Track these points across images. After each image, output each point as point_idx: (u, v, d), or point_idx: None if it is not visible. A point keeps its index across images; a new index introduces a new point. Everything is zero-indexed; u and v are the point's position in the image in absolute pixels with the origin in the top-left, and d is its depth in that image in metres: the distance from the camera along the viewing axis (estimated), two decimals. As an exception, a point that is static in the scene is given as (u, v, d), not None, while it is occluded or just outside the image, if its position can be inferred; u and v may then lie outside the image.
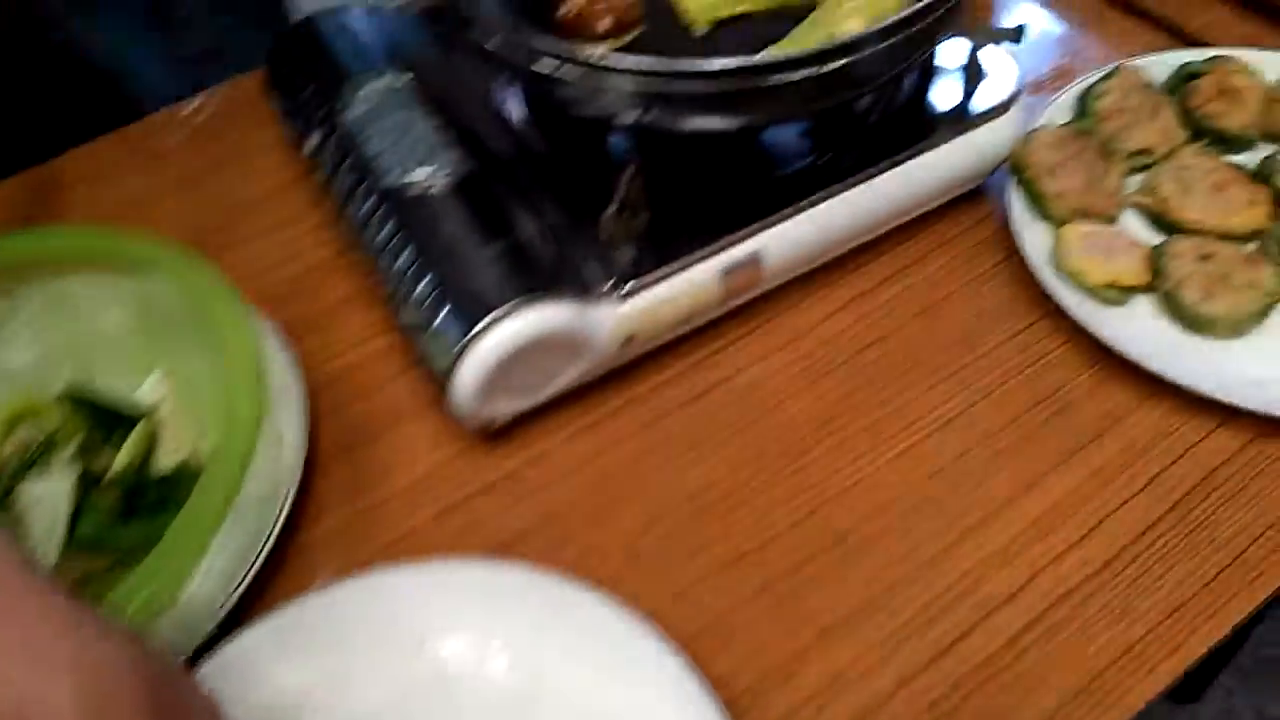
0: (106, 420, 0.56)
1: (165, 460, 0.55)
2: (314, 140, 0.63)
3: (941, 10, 0.51)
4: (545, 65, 0.50)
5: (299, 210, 0.68)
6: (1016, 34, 0.58)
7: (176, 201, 0.71)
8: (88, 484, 0.54)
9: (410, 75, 0.63)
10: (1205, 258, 0.56)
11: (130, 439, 0.54)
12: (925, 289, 0.61)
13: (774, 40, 0.58)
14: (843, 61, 0.48)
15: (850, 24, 0.56)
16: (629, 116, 0.51)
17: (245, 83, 0.77)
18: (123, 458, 0.54)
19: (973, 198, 0.64)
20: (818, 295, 0.61)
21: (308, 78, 0.66)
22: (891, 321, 0.60)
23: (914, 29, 0.50)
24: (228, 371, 0.49)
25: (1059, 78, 0.72)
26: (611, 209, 0.53)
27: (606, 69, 0.49)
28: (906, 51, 0.52)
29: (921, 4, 0.50)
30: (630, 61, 0.48)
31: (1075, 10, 0.77)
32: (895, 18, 0.49)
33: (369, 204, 0.58)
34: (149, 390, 0.58)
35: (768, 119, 0.52)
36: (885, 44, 0.49)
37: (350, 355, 0.61)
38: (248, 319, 0.51)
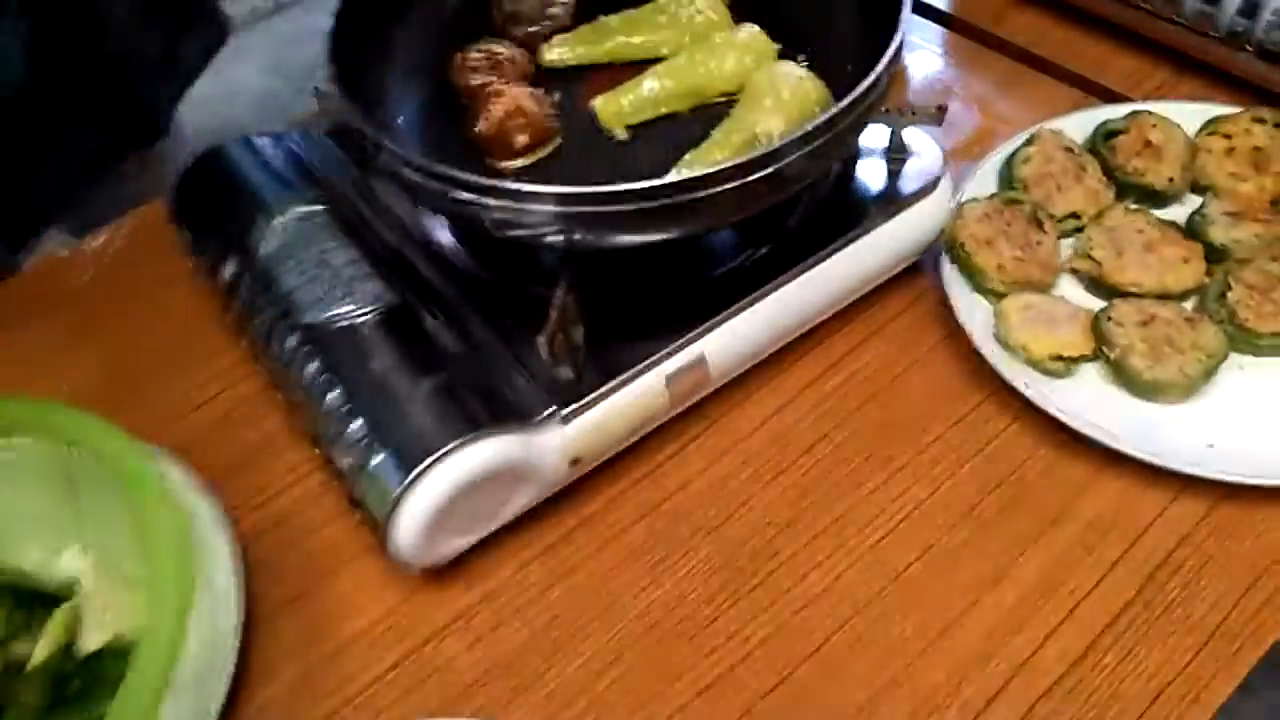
0: (26, 601, 0.52)
1: (90, 640, 0.52)
2: (228, 273, 0.61)
3: (865, 106, 0.50)
4: (462, 194, 0.48)
5: (215, 345, 0.65)
6: (939, 115, 0.57)
7: (86, 346, 0.67)
8: (9, 672, 0.50)
9: (325, 203, 0.60)
10: (1146, 322, 0.56)
11: (52, 623, 0.51)
12: (871, 373, 0.60)
13: (695, 143, 0.57)
14: (769, 170, 0.47)
15: (771, 122, 0.55)
16: (554, 238, 0.49)
17: (148, 212, 0.74)
18: (45, 646, 0.50)
19: (909, 272, 0.63)
20: (764, 389, 0.60)
21: (218, 211, 0.63)
22: (841, 411, 0.59)
23: (838, 127, 0.49)
24: (151, 548, 0.46)
25: (980, 141, 0.72)
26: (546, 329, 0.51)
27: (526, 195, 0.47)
28: (832, 149, 0.51)
29: (845, 102, 0.49)
30: (549, 188, 0.47)
31: (989, 73, 0.78)
32: (819, 120, 0.48)
33: (291, 342, 0.55)
34: (69, 563, 0.54)
35: (696, 230, 0.51)
36: (810, 147, 0.48)
37: (282, 499, 0.58)
38: (166, 487, 0.49)
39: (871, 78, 0.50)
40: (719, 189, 0.47)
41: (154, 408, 0.63)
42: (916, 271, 0.64)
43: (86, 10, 0.74)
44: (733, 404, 0.59)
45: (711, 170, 0.46)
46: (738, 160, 0.47)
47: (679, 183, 0.46)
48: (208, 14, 0.90)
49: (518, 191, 0.47)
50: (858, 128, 0.53)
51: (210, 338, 0.66)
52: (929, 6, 0.84)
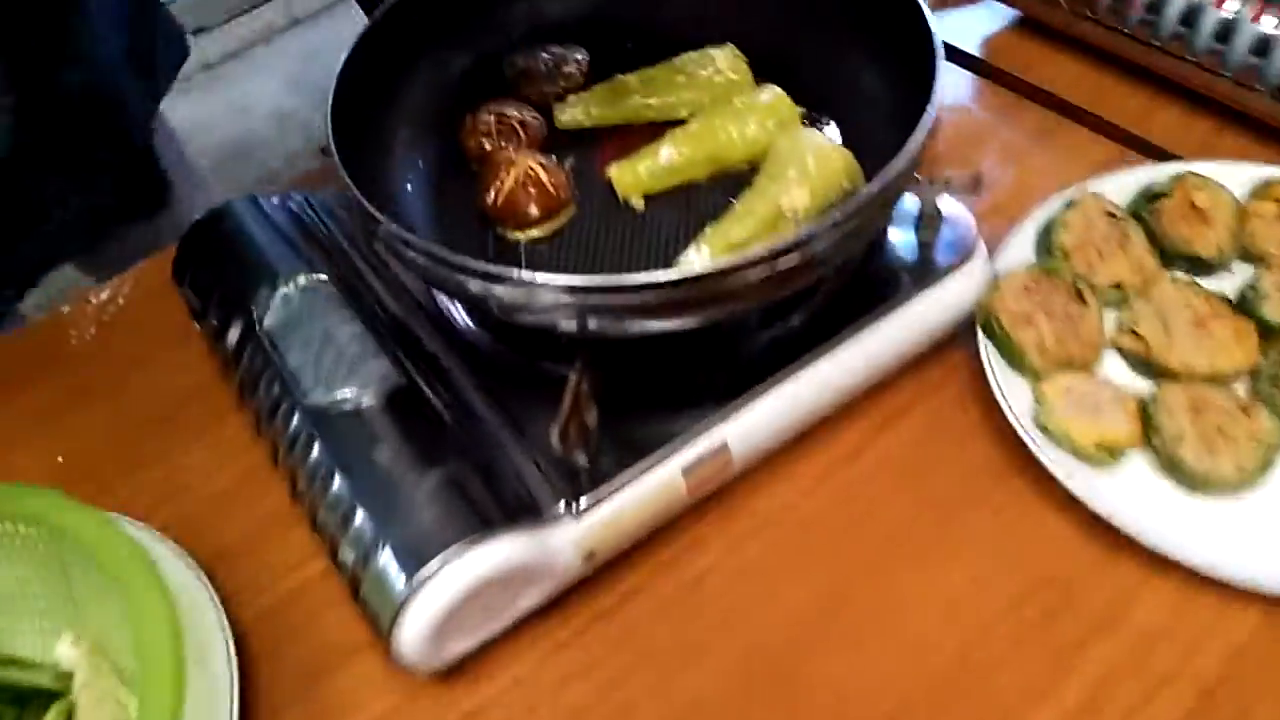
0: (18, 697, 0.50)
1: (83, 739, 0.49)
2: (231, 340, 0.58)
3: (898, 184, 0.47)
4: (471, 283, 0.46)
5: (218, 413, 0.63)
6: (974, 184, 0.54)
7: (85, 408, 0.65)
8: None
9: (330, 271, 0.58)
10: (1197, 408, 0.53)
11: (46, 722, 0.48)
12: (903, 454, 0.57)
13: (715, 213, 0.54)
14: (795, 260, 0.44)
15: (795, 195, 0.52)
16: (566, 325, 0.46)
17: (153, 266, 0.72)
18: (38, 751, 0.48)
19: (942, 343, 0.60)
20: (789, 470, 0.57)
21: (222, 276, 0.61)
22: (871, 495, 0.56)
23: (870, 209, 0.46)
24: (142, 643, 0.44)
25: (1016, 198, 0.68)
26: (559, 419, 0.48)
27: (536, 286, 0.44)
28: (863, 231, 0.48)
29: (877, 186, 0.46)
30: (560, 279, 0.44)
31: (1023, 124, 0.74)
32: (850, 205, 0.45)
33: (294, 424, 0.53)
34: (63, 654, 0.52)
35: (717, 318, 0.48)
36: (841, 232, 0.45)
37: (283, 584, 0.55)
38: (158, 578, 0.46)
39: (905, 160, 0.47)
40: (742, 278, 0.44)
41: (152, 480, 0.61)
42: (949, 343, 0.61)
43: (77, 71, 0.72)
44: (757, 485, 0.56)
45: (735, 263, 0.43)
46: (761, 251, 0.44)
47: (698, 277, 0.43)
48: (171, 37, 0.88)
49: (527, 282, 0.44)
50: (890, 205, 0.50)
51: (213, 404, 0.63)
52: (958, 51, 0.81)
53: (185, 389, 0.65)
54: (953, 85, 0.79)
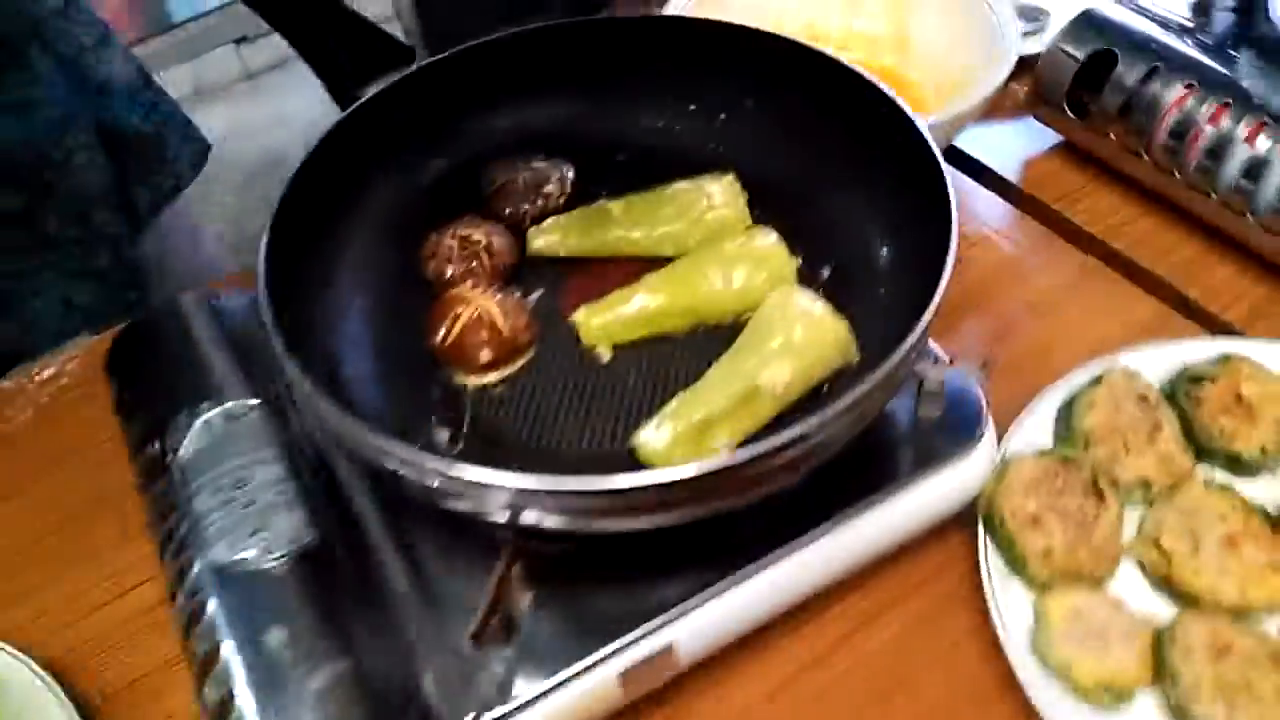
0: None
1: None
2: (148, 455, 0.53)
3: (901, 373, 0.41)
4: (390, 462, 0.40)
5: (138, 524, 0.57)
6: (984, 368, 0.48)
7: (7, 504, 0.60)
8: None
9: (262, 397, 0.52)
10: (1221, 651, 0.45)
11: None
12: (881, 662, 0.50)
13: (688, 375, 0.48)
14: (771, 465, 0.38)
15: (777, 371, 0.46)
16: (499, 518, 0.40)
17: (101, 344, 0.67)
18: None
19: (937, 528, 0.53)
20: (749, 669, 0.50)
21: (152, 384, 0.56)
22: (842, 707, 0.49)
23: (866, 404, 0.40)
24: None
25: (1039, 356, 0.61)
26: (477, 617, 0.42)
27: (464, 483, 0.38)
28: (856, 423, 0.41)
29: (876, 378, 0.40)
30: (481, 475, 0.38)
31: (1057, 267, 0.67)
32: (844, 402, 0.39)
33: (192, 575, 0.47)
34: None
35: (675, 522, 0.42)
36: (839, 423, 0.39)
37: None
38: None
39: (907, 348, 0.41)
40: (705, 483, 0.38)
41: (58, 598, 0.56)
42: (947, 525, 0.54)
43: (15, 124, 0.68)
44: (709, 683, 0.50)
45: (691, 473, 0.37)
46: (726, 460, 0.38)
47: (647, 487, 0.37)
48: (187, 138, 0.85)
49: (444, 474, 0.38)
50: (889, 396, 0.44)
51: (134, 512, 0.58)
52: (991, 173, 0.74)
53: (112, 489, 0.59)
54: (981, 211, 0.72)
